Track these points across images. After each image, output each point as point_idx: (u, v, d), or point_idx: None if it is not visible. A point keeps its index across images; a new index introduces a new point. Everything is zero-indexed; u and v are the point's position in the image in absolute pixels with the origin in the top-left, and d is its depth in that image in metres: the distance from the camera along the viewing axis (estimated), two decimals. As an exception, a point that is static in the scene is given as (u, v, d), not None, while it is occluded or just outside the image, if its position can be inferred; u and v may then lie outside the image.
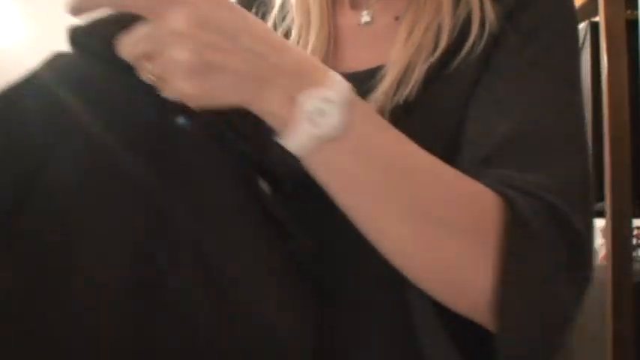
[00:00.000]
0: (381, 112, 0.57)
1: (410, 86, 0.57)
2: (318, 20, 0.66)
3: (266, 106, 0.44)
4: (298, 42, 0.67)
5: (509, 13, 0.59)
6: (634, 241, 1.32)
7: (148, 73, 0.44)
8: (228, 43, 0.43)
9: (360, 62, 0.63)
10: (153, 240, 0.43)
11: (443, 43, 0.59)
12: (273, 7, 0.72)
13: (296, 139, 0.44)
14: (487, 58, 0.58)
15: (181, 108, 0.45)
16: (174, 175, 0.44)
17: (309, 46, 0.65)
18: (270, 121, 0.45)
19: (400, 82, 0.58)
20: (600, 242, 2.31)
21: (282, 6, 0.71)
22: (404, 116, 0.57)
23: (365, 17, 0.67)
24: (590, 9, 1.36)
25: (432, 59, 0.59)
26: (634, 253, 1.28)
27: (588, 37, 1.33)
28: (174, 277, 0.43)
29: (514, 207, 0.47)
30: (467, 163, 0.53)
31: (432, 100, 0.58)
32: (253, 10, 0.74)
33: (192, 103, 0.44)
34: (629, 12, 1.25)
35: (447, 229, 0.45)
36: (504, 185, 0.49)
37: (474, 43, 0.58)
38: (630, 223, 1.22)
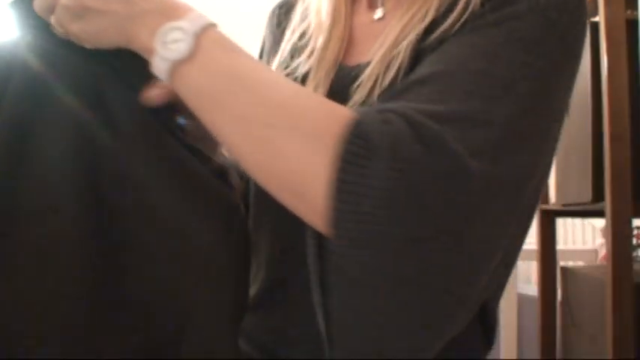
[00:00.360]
0: (369, 99, 0.59)
1: (395, 68, 0.59)
2: (336, 19, 0.70)
3: (138, 42, 0.53)
4: (318, 36, 0.71)
5: None
6: (634, 241, 1.32)
7: (54, 24, 0.56)
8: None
9: (367, 55, 0.65)
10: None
11: (427, 21, 0.60)
12: (295, 7, 0.77)
13: (156, 65, 0.52)
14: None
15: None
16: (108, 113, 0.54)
17: (328, 43, 0.69)
18: (144, 55, 0.53)
19: (387, 66, 0.60)
20: (600, 242, 2.31)
21: (305, 7, 0.75)
22: (388, 100, 0.57)
23: (378, 14, 0.70)
24: (590, 9, 1.36)
25: (414, 37, 0.60)
26: (634, 253, 1.28)
27: (588, 37, 1.33)
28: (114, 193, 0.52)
29: (360, 121, 0.48)
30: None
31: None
32: (277, 11, 0.81)
33: (86, 44, 0.55)
34: (629, 12, 1.25)
35: (287, 134, 0.49)
36: (382, 111, 0.49)
37: (453, 21, 0.58)
38: (630, 223, 1.22)
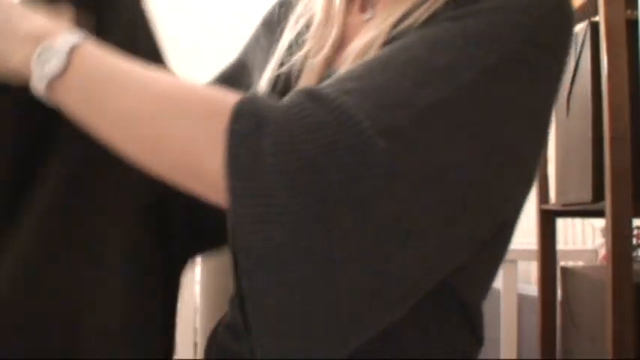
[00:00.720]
0: None
1: None
2: (331, 22, 0.71)
3: (15, 64, 0.54)
4: (312, 40, 0.72)
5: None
6: (634, 241, 1.32)
7: None
8: None
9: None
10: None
11: (402, 23, 0.61)
12: (295, 8, 0.78)
13: (34, 84, 0.53)
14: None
15: None
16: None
17: (321, 47, 0.69)
18: (22, 77, 0.54)
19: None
20: (600, 242, 2.31)
21: (304, 8, 0.76)
22: None
23: (367, 15, 0.70)
24: (590, 9, 1.36)
25: (384, 38, 0.60)
26: (634, 253, 1.28)
27: (588, 37, 1.33)
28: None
29: (252, 98, 0.47)
30: None
31: None
32: (277, 9, 0.82)
33: None
34: (629, 12, 1.25)
35: (174, 120, 0.49)
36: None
37: (420, 14, 0.59)
38: (630, 223, 1.21)
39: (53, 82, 0.52)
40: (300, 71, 0.69)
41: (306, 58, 0.70)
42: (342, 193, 0.44)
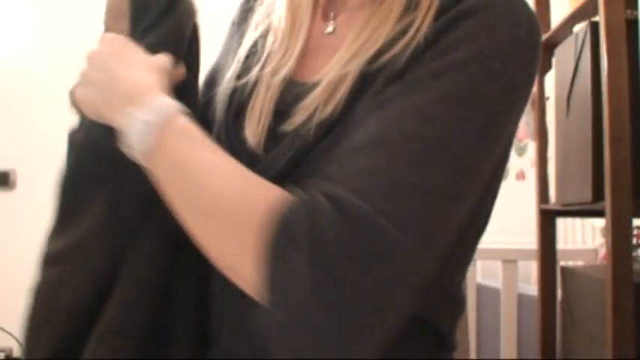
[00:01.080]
0: (309, 123, 0.60)
1: (335, 102, 0.59)
2: (293, 29, 0.69)
3: (109, 120, 0.59)
4: (274, 47, 0.69)
5: (443, 26, 0.57)
6: (634, 241, 1.32)
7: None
8: (99, 64, 0.62)
9: (314, 73, 0.65)
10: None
11: (370, 52, 0.60)
12: (256, 10, 0.74)
13: (131, 152, 0.58)
14: (405, 69, 0.57)
15: None
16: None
17: (283, 57, 0.67)
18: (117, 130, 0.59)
19: (329, 95, 0.60)
20: (600, 242, 2.31)
21: (263, 14, 0.73)
22: (326, 130, 0.59)
23: (329, 28, 0.69)
24: (590, 9, 1.36)
25: (363, 69, 0.59)
26: (634, 253, 1.28)
27: (588, 37, 1.33)
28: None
29: (287, 208, 0.51)
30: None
31: (350, 112, 0.59)
32: (240, 10, 0.78)
33: (86, 113, 0.63)
34: (629, 12, 1.25)
35: (218, 223, 0.54)
36: (311, 187, 0.52)
37: (399, 52, 0.58)
38: (630, 223, 1.22)
39: (144, 154, 0.57)
40: (257, 83, 0.67)
41: (262, 68, 0.67)
42: (371, 296, 0.48)
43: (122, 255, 0.62)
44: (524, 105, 0.60)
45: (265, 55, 0.69)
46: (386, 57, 0.58)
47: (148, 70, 0.60)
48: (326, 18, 0.70)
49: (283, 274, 0.49)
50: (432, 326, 0.64)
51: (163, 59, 0.63)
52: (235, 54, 0.72)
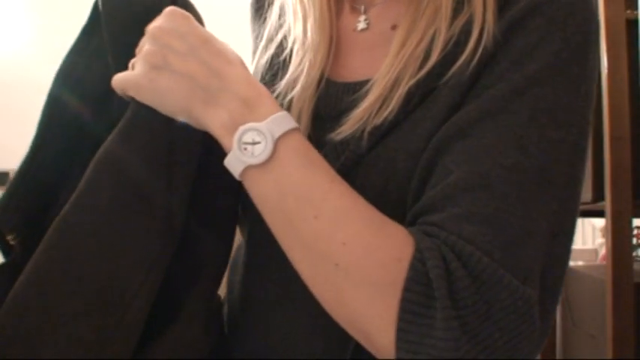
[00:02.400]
0: (360, 131, 0.56)
1: (391, 107, 0.55)
2: (322, 26, 0.64)
3: (208, 123, 0.50)
4: (301, 49, 0.64)
5: (510, 26, 0.53)
6: (634, 241, 1.32)
7: (128, 69, 0.53)
8: (187, 50, 0.50)
9: (352, 72, 0.61)
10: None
11: (434, 57, 0.55)
12: (270, 7, 0.70)
13: (229, 161, 0.50)
14: (476, 78, 0.53)
15: None
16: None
17: (314, 59, 0.62)
18: (214, 137, 0.50)
19: (383, 101, 0.56)
20: (600, 242, 2.31)
21: (280, 16, 0.69)
22: (380, 138, 0.55)
23: (361, 24, 0.64)
24: (590, 9, 1.36)
25: (420, 76, 0.55)
26: (634, 253, 1.28)
27: (588, 37, 1.33)
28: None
29: (418, 262, 0.46)
30: (415, 207, 0.52)
31: (412, 122, 0.55)
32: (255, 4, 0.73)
33: (137, 93, 0.51)
34: (629, 12, 1.25)
35: (347, 276, 0.47)
36: (428, 237, 0.48)
37: (467, 58, 0.53)
38: (630, 223, 1.22)
39: (251, 168, 0.49)
40: (291, 89, 0.62)
41: (292, 74, 0.63)
42: (508, 353, 0.46)
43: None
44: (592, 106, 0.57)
45: (293, 59, 0.64)
46: (450, 72, 0.54)
47: (245, 67, 0.52)
48: (355, 12, 0.65)
49: (419, 331, 0.45)
50: None
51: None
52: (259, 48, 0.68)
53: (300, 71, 0.62)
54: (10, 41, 3.06)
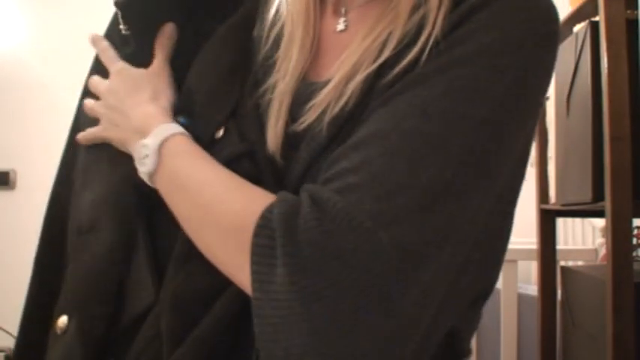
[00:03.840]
0: (319, 123, 0.60)
1: (346, 97, 0.58)
2: (306, 27, 0.68)
3: (132, 152, 0.66)
4: (288, 48, 0.68)
5: (457, 20, 0.55)
6: (634, 241, 1.32)
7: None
8: (115, 103, 0.70)
9: (328, 71, 0.64)
10: None
11: (387, 52, 0.58)
12: (267, 13, 0.73)
13: (140, 173, 0.64)
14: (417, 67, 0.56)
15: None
16: None
17: (294, 56, 0.66)
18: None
19: (340, 93, 0.59)
20: (600, 242, 2.31)
21: (276, 14, 0.72)
22: (338, 129, 0.59)
23: (340, 25, 0.67)
24: (590, 9, 1.36)
25: (370, 70, 0.58)
26: (634, 253, 1.28)
27: (588, 37, 1.33)
28: None
29: (269, 212, 0.52)
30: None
31: (365, 112, 0.57)
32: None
33: (100, 137, 0.72)
34: (629, 12, 1.25)
35: (212, 231, 0.57)
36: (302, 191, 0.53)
37: (416, 54, 0.56)
38: (630, 223, 1.22)
39: (151, 175, 0.63)
40: (274, 86, 0.66)
41: (277, 71, 0.67)
42: (355, 297, 0.47)
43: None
44: (540, 99, 0.58)
45: (280, 57, 0.68)
46: (399, 67, 0.56)
47: (151, 101, 0.67)
48: (337, 14, 0.68)
49: (267, 271, 0.50)
50: (455, 338, 0.62)
51: (159, 68, 0.71)
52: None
53: (284, 69, 0.66)
54: (10, 41, 3.06)
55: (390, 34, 0.59)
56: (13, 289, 2.72)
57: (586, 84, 1.34)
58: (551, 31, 0.56)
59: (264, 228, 0.51)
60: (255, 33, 0.73)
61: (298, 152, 0.61)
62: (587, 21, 1.36)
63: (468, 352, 0.67)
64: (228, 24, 0.71)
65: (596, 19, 1.30)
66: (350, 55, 0.61)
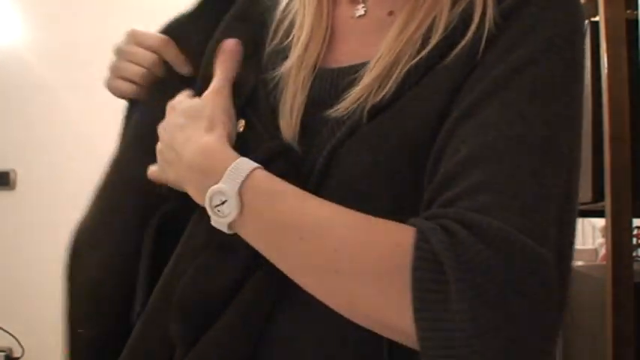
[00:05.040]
0: (360, 110, 0.58)
1: (389, 85, 0.57)
2: (318, 15, 0.67)
3: (190, 194, 0.59)
4: (299, 36, 0.67)
5: (506, 14, 0.56)
6: (634, 241, 1.32)
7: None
8: (168, 147, 0.61)
9: (347, 56, 0.64)
10: None
11: (434, 41, 0.58)
12: (278, 3, 0.73)
13: (214, 224, 0.56)
14: (476, 61, 0.56)
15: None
16: None
17: (308, 43, 0.65)
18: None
19: (381, 81, 0.58)
20: (600, 242, 2.31)
21: (287, 6, 0.71)
22: (378, 116, 0.57)
23: (359, 11, 0.67)
24: (590, 9, 1.36)
25: (419, 58, 0.57)
26: (634, 253, 1.28)
27: (588, 37, 1.33)
28: None
29: (422, 241, 0.47)
30: (429, 188, 0.53)
31: (408, 101, 0.57)
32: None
33: (162, 178, 0.64)
34: (629, 12, 1.25)
35: (351, 277, 0.49)
36: (435, 218, 0.49)
37: (467, 42, 0.56)
38: (630, 223, 1.22)
39: (231, 223, 0.55)
40: (283, 74, 0.65)
41: (287, 59, 0.66)
42: (533, 320, 0.46)
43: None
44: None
45: (292, 46, 0.67)
46: (454, 50, 0.56)
47: (206, 132, 0.59)
48: (353, 2, 0.67)
49: (437, 309, 0.45)
50: None
51: (216, 91, 0.62)
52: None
53: (297, 57, 0.65)
54: (10, 41, 3.06)
55: (434, 21, 0.59)
56: (13, 289, 2.73)
57: (586, 84, 1.34)
58: (583, 22, 0.59)
59: (425, 261, 0.46)
60: (259, 24, 0.73)
61: (317, 140, 0.59)
62: (587, 21, 1.36)
63: None
64: (233, 15, 0.70)
65: (596, 19, 1.30)
66: (392, 42, 0.59)
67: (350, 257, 0.49)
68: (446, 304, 0.45)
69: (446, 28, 0.58)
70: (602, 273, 1.28)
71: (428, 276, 0.46)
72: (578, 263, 2.27)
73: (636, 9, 1.25)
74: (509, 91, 0.53)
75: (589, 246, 2.56)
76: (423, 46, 0.58)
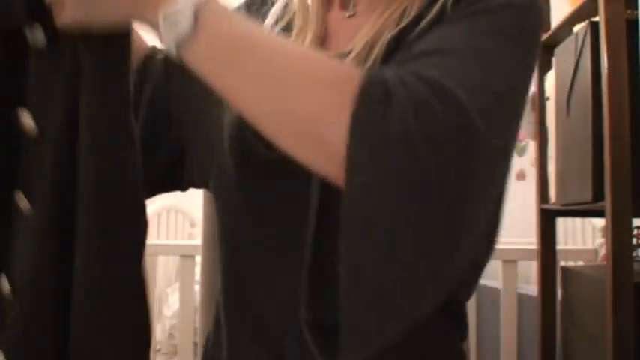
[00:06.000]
0: None
1: (370, 62, 0.61)
2: (310, 19, 0.71)
3: (143, 20, 0.55)
4: (296, 36, 0.71)
5: None
6: (634, 241, 1.32)
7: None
8: None
9: (339, 49, 0.67)
10: None
11: (407, 19, 0.62)
12: (273, 6, 0.76)
13: (164, 44, 0.53)
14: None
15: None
16: None
17: (303, 42, 0.69)
18: (152, 30, 0.55)
19: (364, 59, 0.62)
20: (600, 242, 2.31)
21: (284, 7, 0.75)
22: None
23: (350, 11, 0.71)
24: (590, 9, 1.36)
25: (393, 33, 0.62)
26: (634, 253, 1.28)
27: (588, 37, 1.33)
28: None
29: (378, 72, 0.51)
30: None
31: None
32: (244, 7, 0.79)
33: (79, 13, 0.55)
34: (629, 12, 1.25)
35: (303, 86, 0.51)
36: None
37: (435, 16, 0.60)
38: (630, 223, 1.22)
39: (183, 42, 0.53)
40: None
41: None
42: (453, 168, 0.49)
43: None
44: (530, 78, 0.62)
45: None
46: (419, 28, 0.60)
47: None
48: (345, 7, 0.72)
49: (375, 126, 0.48)
50: (454, 302, 0.64)
51: None
52: None
53: None
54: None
55: (405, 9, 0.64)
56: (13, 289, 2.72)
57: (586, 84, 1.34)
58: (536, 27, 0.63)
59: (376, 83, 0.50)
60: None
61: None
62: (586, 21, 1.36)
63: (466, 325, 0.69)
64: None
65: (596, 19, 1.30)
66: (369, 28, 0.64)
67: (303, 67, 0.52)
68: (383, 123, 0.48)
69: (417, 11, 0.63)
70: (602, 273, 1.28)
71: (375, 95, 0.49)
72: (578, 263, 2.28)
73: (636, 9, 1.25)
74: (466, 24, 0.57)
75: (589, 246, 2.56)
76: (398, 23, 0.63)
